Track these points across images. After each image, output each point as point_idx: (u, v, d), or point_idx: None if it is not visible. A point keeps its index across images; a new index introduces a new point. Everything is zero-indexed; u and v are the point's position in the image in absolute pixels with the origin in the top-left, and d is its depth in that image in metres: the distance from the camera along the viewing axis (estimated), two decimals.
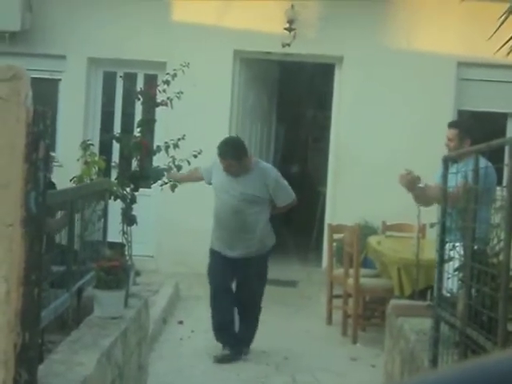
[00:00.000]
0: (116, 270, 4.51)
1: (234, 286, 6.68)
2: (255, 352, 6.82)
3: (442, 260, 4.13)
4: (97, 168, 5.55)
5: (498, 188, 4.76)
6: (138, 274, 5.89)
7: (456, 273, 3.88)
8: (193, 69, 6.67)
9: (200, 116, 9.73)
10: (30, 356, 2.92)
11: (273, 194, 6.54)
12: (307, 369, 6.44)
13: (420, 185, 5.35)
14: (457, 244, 3.98)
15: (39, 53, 10.06)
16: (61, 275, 4.24)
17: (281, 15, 9.75)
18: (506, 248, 3.16)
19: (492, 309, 3.27)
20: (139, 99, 6.22)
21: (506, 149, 3.34)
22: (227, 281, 6.62)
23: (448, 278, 4.02)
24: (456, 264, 3.91)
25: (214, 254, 6.64)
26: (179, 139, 6.18)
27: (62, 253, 4.34)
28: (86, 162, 5.55)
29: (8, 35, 9.75)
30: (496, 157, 4.19)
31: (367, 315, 7.93)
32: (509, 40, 5.18)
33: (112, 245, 5.43)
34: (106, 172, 5.98)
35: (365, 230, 8.65)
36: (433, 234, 5.24)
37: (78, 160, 5.84)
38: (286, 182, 6.67)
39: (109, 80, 10.33)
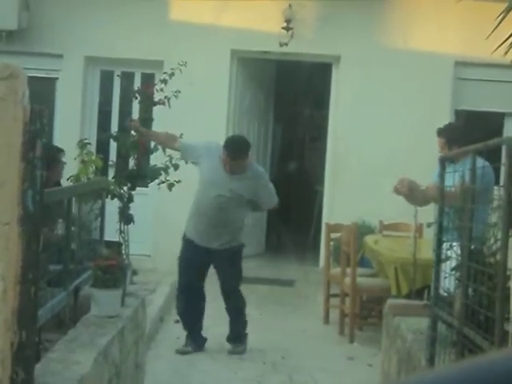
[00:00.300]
0: (113, 269, 4.51)
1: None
2: (252, 351, 6.82)
3: (439, 259, 4.13)
4: (94, 167, 5.55)
5: (496, 187, 4.77)
6: (135, 272, 5.89)
7: (453, 272, 3.88)
8: (190, 68, 6.67)
9: (197, 115, 9.72)
10: (26, 355, 2.92)
11: (259, 197, 6.66)
12: (304, 368, 6.44)
13: (422, 187, 5.32)
14: (454, 243, 3.98)
15: (36, 51, 10.04)
16: (58, 274, 4.24)
17: (278, 14, 9.75)
18: (503, 247, 3.16)
19: (489, 308, 3.28)
20: (136, 98, 6.23)
21: (503, 148, 3.34)
22: (198, 278, 6.67)
23: (445, 278, 4.03)
24: (453, 263, 3.91)
25: (188, 243, 6.65)
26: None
27: (59, 251, 4.33)
28: (83, 161, 5.55)
29: (5, 34, 9.74)
30: (493, 156, 4.20)
31: (364, 314, 7.93)
32: (506, 39, 5.17)
33: (109, 244, 5.43)
34: (103, 171, 5.98)
35: (362, 230, 8.65)
36: (430, 234, 5.24)
37: (75, 159, 5.84)
38: (272, 187, 6.79)
39: (106, 79, 10.32)
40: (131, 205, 5.80)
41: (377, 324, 7.13)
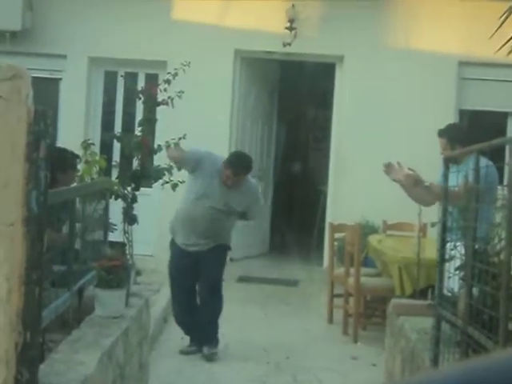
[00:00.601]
0: (117, 270, 4.51)
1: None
2: (256, 351, 6.82)
3: (443, 259, 4.13)
4: (98, 167, 5.55)
5: (499, 187, 4.76)
6: (138, 273, 5.90)
7: (457, 272, 3.88)
8: (194, 68, 6.68)
9: (201, 115, 9.73)
10: (31, 355, 2.92)
11: (250, 210, 6.68)
12: (308, 368, 6.43)
13: (426, 184, 5.33)
14: (458, 243, 3.98)
15: (40, 52, 10.06)
16: (62, 274, 4.24)
17: (281, 14, 9.75)
18: (507, 247, 3.16)
19: (493, 308, 3.27)
20: (140, 98, 6.24)
21: (507, 148, 3.34)
22: (189, 280, 6.65)
23: (449, 277, 4.02)
24: (457, 263, 3.91)
25: (176, 250, 6.66)
26: (180, 138, 6.19)
27: (63, 252, 4.34)
28: (86, 162, 5.56)
29: (9, 34, 9.76)
30: (497, 156, 4.19)
31: (368, 314, 7.92)
32: (509, 39, 5.17)
33: (113, 244, 5.43)
34: (106, 171, 5.99)
35: (366, 229, 8.65)
36: (434, 233, 5.24)
37: (81, 161, 5.85)
38: (263, 201, 6.99)
39: (110, 79, 10.34)
40: (135, 205, 5.80)
41: (381, 324, 7.12)
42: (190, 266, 6.56)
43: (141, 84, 8.70)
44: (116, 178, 6.02)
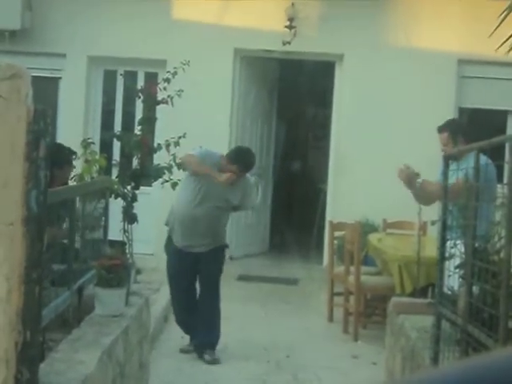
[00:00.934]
0: (117, 268, 4.51)
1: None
2: (256, 349, 6.82)
3: (443, 257, 4.13)
4: (97, 166, 5.55)
5: (499, 185, 4.76)
6: (138, 272, 5.89)
7: (457, 270, 3.88)
8: (193, 67, 6.67)
9: (200, 114, 9.73)
10: (31, 354, 2.92)
11: (243, 201, 6.63)
12: (308, 366, 6.44)
13: (418, 180, 5.35)
14: (458, 241, 3.98)
15: (39, 51, 10.05)
16: (62, 273, 4.24)
17: (281, 13, 9.75)
18: (506, 245, 3.16)
19: (493, 306, 3.28)
20: (140, 97, 6.24)
21: (507, 146, 3.34)
22: (188, 280, 6.61)
23: (449, 276, 4.02)
24: (457, 261, 3.91)
25: (174, 251, 6.59)
26: (180, 137, 6.18)
27: (62, 251, 4.34)
28: (86, 161, 5.56)
29: (8, 34, 9.76)
30: (496, 154, 4.19)
31: (368, 313, 7.92)
32: (510, 37, 5.17)
33: (113, 243, 5.43)
34: (106, 170, 5.99)
35: (365, 228, 8.65)
36: (434, 232, 5.24)
37: (78, 158, 5.85)
38: (255, 190, 7.09)
39: (109, 78, 10.33)
40: (135, 204, 5.80)
41: (381, 322, 7.13)
42: (188, 266, 6.54)
43: (140, 83, 8.69)
44: (116, 177, 6.02)
